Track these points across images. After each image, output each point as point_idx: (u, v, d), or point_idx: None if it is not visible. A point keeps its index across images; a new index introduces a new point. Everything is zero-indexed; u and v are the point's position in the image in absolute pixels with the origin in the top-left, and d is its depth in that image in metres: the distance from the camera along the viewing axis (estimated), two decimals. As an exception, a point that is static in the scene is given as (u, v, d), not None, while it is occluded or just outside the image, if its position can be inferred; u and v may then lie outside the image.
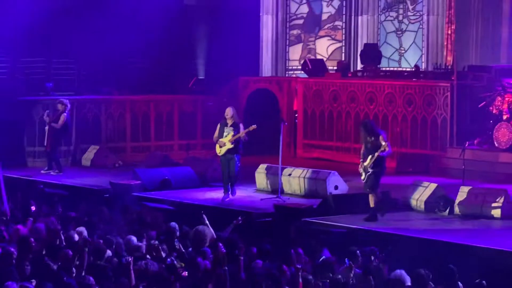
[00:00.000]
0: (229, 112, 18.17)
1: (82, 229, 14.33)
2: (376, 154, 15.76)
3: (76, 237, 13.74)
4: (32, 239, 13.12)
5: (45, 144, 21.88)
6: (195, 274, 11.78)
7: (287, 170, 19.02)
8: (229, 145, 17.95)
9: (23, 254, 12.57)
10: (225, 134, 18.03)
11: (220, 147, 18.08)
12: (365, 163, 15.90)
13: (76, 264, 11.98)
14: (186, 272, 11.59)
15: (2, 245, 13.28)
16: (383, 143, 15.80)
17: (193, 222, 15.30)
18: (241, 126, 18.08)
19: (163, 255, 12.85)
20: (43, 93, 24.53)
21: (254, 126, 18.23)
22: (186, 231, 14.67)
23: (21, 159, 22.85)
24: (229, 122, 18.08)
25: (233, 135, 17.92)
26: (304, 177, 18.71)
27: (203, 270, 11.85)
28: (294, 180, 18.79)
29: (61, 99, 22.07)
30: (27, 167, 22.67)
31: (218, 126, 18.28)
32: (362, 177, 16.09)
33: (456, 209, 16.74)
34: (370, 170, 15.85)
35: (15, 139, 23.04)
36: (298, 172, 18.96)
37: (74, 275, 11.48)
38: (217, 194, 18.67)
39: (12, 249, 12.75)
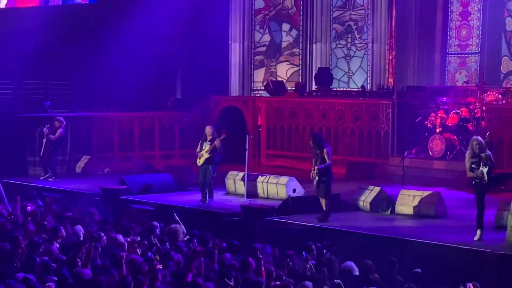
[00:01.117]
0: (209, 130, 18.14)
1: (79, 227, 14.31)
2: (316, 167, 15.79)
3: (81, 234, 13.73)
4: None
5: (41, 154, 21.80)
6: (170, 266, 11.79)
7: (252, 176, 19.01)
8: (206, 155, 17.90)
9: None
10: (204, 146, 18.02)
11: (199, 158, 18.08)
12: (313, 172, 15.94)
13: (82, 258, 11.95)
14: (160, 265, 11.54)
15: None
16: (325, 157, 15.82)
17: (171, 221, 15.33)
18: (218, 140, 18.05)
19: (139, 252, 12.82)
20: (42, 111, 24.41)
21: (223, 136, 18.23)
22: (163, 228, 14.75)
23: (23, 168, 22.70)
24: (209, 138, 18.04)
25: (211, 151, 17.92)
26: (267, 182, 18.69)
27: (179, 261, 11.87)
28: (258, 184, 18.78)
29: (57, 117, 21.99)
30: (28, 175, 22.50)
31: (200, 142, 18.22)
32: (315, 183, 16.13)
33: (397, 209, 16.77)
34: (317, 178, 15.86)
35: (17, 151, 22.92)
36: (261, 178, 18.95)
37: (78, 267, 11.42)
38: (192, 197, 18.54)
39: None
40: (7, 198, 17.51)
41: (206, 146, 17.86)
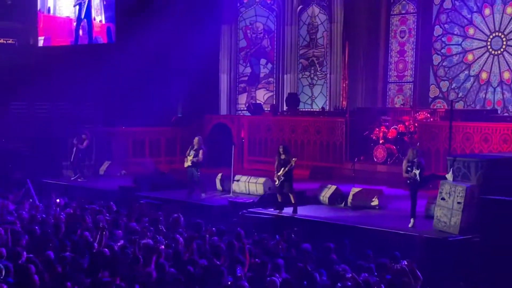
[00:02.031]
0: (197, 141, 18.23)
1: (101, 217, 14.31)
2: (287, 167, 15.82)
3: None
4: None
5: (72, 160, 21.84)
6: (175, 246, 11.81)
7: (237, 177, 19.02)
8: (189, 162, 18.01)
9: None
10: (191, 153, 18.07)
11: (186, 162, 18.16)
12: (279, 173, 15.92)
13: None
14: (163, 246, 11.58)
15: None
16: (292, 160, 15.85)
17: (173, 212, 15.34)
18: (201, 151, 18.11)
19: (149, 235, 12.81)
20: (72, 127, 24.40)
21: (203, 151, 18.32)
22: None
23: (58, 171, 22.66)
24: (195, 146, 18.12)
25: (194, 157, 17.94)
26: (248, 182, 18.71)
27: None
28: (241, 184, 18.80)
29: (84, 131, 22.03)
30: (62, 176, 22.46)
31: (189, 148, 18.34)
32: (277, 183, 16.09)
33: (349, 202, 16.82)
34: (283, 178, 15.88)
35: (54, 157, 22.91)
36: (244, 178, 18.97)
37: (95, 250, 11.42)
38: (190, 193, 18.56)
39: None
40: (46, 194, 17.49)
41: (191, 154, 17.93)
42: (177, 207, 16.46)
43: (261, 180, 18.50)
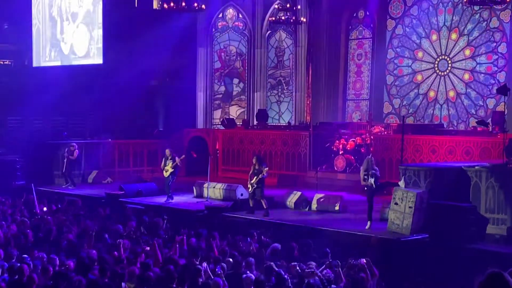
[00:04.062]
0: (168, 152, 18.33)
1: (89, 222, 14.17)
2: (260, 176, 15.84)
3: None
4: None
5: (63, 170, 21.63)
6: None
7: (212, 184, 18.99)
8: (170, 170, 17.95)
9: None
10: (167, 163, 18.04)
11: (165, 172, 18.10)
12: (252, 181, 15.95)
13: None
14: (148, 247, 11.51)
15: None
16: (264, 170, 15.87)
17: (155, 216, 15.24)
18: (176, 158, 18.11)
19: (133, 236, 12.74)
20: (62, 139, 24.20)
21: (183, 156, 18.28)
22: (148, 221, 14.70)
23: (50, 179, 22.42)
24: (168, 157, 18.15)
25: (172, 163, 17.92)
26: (222, 188, 18.69)
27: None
28: (216, 190, 18.76)
29: (72, 143, 21.88)
30: (54, 184, 22.22)
31: (163, 159, 18.39)
32: (250, 190, 16.11)
33: (313, 207, 16.85)
34: (256, 185, 15.91)
35: (47, 167, 22.66)
36: (219, 185, 18.93)
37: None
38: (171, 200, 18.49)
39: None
40: (38, 200, 17.27)
41: (169, 163, 17.88)
42: (159, 211, 16.38)
43: (234, 187, 18.44)
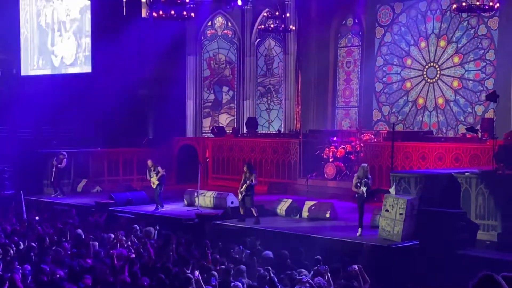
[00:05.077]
0: (150, 163, 18.38)
1: (79, 231, 14.12)
2: (248, 183, 15.85)
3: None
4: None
5: (52, 179, 21.57)
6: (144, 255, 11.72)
7: (203, 192, 18.97)
8: (156, 182, 17.96)
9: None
10: (152, 174, 18.08)
11: (153, 184, 18.10)
12: (241, 189, 15.97)
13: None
14: (134, 255, 11.48)
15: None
16: (253, 178, 15.90)
17: (146, 225, 15.20)
18: (159, 168, 18.09)
19: (125, 245, 12.70)
20: (51, 148, 24.11)
21: (161, 167, 18.24)
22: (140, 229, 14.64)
23: (39, 188, 22.34)
24: (152, 168, 18.17)
25: (156, 175, 17.91)
26: (213, 197, 18.68)
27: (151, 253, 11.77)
28: (207, 198, 18.75)
29: (61, 152, 21.79)
30: (43, 193, 22.13)
31: (147, 171, 18.40)
32: (239, 198, 16.12)
33: (303, 214, 16.85)
34: (245, 193, 15.92)
35: (36, 176, 22.60)
36: (209, 193, 18.93)
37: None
38: (161, 208, 18.46)
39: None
40: (28, 211, 17.20)
41: (153, 175, 17.89)
42: (149, 219, 16.34)
43: (225, 195, 18.44)
